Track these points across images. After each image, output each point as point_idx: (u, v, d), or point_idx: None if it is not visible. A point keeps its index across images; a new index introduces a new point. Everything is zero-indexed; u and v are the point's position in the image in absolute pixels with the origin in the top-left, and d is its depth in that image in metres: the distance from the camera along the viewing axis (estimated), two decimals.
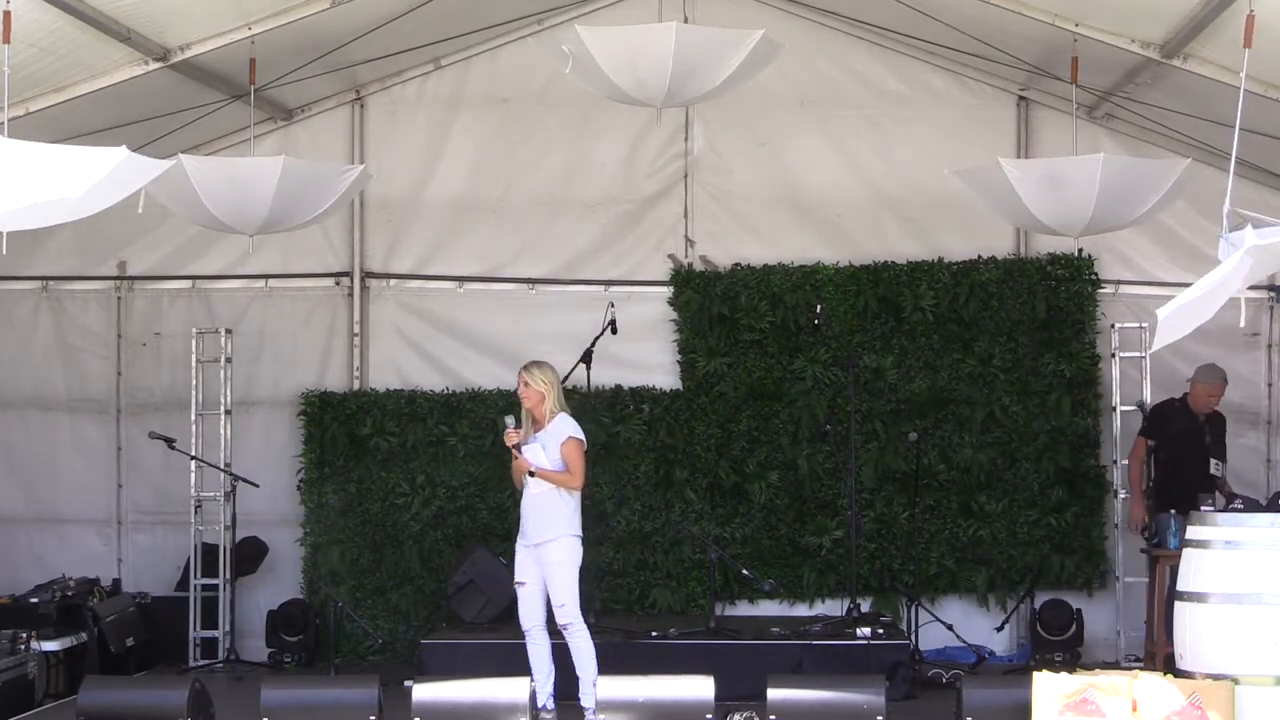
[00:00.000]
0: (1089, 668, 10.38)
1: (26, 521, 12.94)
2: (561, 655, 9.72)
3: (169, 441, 11.98)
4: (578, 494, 9.74)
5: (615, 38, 9.62)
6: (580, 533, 9.75)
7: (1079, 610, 12.02)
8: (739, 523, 12.46)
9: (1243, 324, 7.94)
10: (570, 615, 9.63)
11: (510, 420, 9.77)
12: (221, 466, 12.30)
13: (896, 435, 12.34)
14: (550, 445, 9.69)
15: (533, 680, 9.41)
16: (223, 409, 12.53)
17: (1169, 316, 7.49)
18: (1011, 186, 10.17)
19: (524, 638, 9.81)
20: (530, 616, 9.76)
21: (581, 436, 9.77)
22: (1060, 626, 11.94)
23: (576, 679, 9.63)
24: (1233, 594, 8.38)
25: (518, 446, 9.70)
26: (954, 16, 11.20)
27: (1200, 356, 12.24)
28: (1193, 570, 8.61)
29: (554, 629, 9.76)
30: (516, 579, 9.81)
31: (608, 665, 9.57)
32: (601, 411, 12.38)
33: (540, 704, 9.50)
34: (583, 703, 9.58)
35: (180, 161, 9.91)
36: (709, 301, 12.58)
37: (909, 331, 12.51)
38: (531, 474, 9.65)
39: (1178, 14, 9.61)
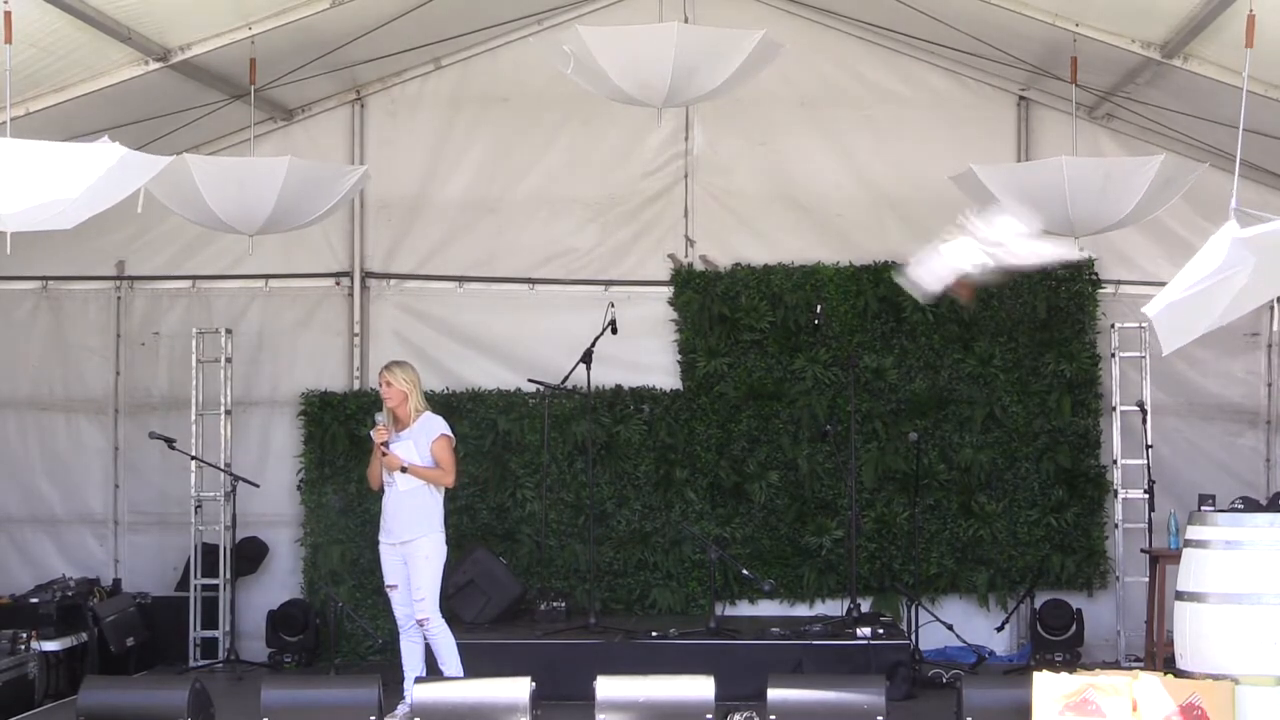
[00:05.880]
0: (1089, 668, 10.39)
1: (21, 522, 12.92)
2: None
3: (169, 441, 11.96)
4: (443, 491, 10.00)
5: (616, 38, 9.62)
6: (444, 530, 9.99)
7: (1079, 610, 12.02)
8: (739, 523, 12.46)
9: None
10: (429, 610, 9.86)
11: (380, 417, 10.03)
12: (221, 466, 12.30)
13: (896, 435, 12.35)
14: (422, 443, 9.95)
15: (404, 676, 9.82)
16: (223, 409, 12.53)
17: (1162, 314, 7.44)
18: (990, 192, 10.21)
19: (401, 635, 10.02)
20: (409, 616, 9.96)
21: (451, 434, 10.06)
22: (1060, 626, 11.94)
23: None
24: (1233, 594, 8.39)
25: (386, 444, 9.88)
26: (954, 16, 11.20)
27: (1201, 356, 12.26)
28: (1193, 570, 8.62)
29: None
30: (387, 583, 10.04)
31: (608, 665, 9.55)
32: (601, 411, 12.38)
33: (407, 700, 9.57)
34: None
35: (184, 160, 9.93)
36: (709, 301, 12.57)
37: (909, 331, 12.50)
38: (404, 470, 9.84)
39: (1178, 14, 9.60)
